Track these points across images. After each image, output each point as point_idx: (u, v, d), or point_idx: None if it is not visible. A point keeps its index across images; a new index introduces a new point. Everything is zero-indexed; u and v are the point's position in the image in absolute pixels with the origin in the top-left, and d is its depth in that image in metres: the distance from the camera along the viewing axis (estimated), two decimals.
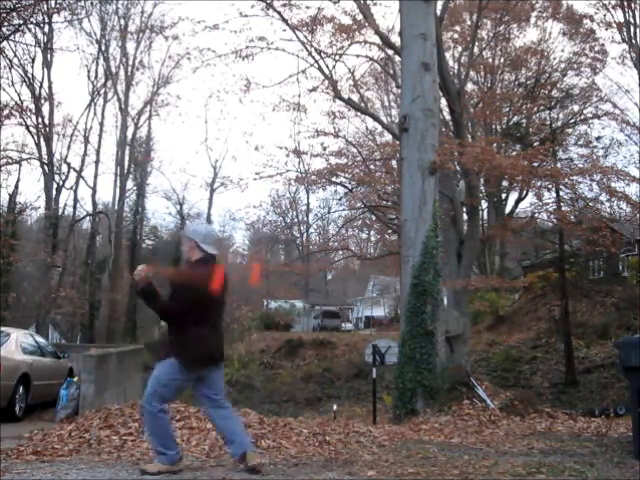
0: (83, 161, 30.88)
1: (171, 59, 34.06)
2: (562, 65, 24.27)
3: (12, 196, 24.48)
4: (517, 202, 27.55)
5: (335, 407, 15.28)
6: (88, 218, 33.12)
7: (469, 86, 21.76)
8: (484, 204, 25.68)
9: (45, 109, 26.33)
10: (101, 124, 33.67)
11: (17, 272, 26.65)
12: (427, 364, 9.55)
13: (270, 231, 43.12)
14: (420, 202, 10.22)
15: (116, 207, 35.90)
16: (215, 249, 4.74)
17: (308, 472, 4.73)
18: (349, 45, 16.93)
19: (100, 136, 33.70)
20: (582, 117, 25.58)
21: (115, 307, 34.98)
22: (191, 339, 4.49)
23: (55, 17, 19.36)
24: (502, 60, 23.63)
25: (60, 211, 29.00)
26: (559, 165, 18.61)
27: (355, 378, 24.18)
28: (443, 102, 15.47)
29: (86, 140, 30.87)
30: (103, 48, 32.22)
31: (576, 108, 25.47)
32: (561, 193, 16.95)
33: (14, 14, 15.01)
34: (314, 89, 17.61)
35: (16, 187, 24.89)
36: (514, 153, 20.81)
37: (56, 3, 17.62)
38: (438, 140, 11.06)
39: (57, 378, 11.48)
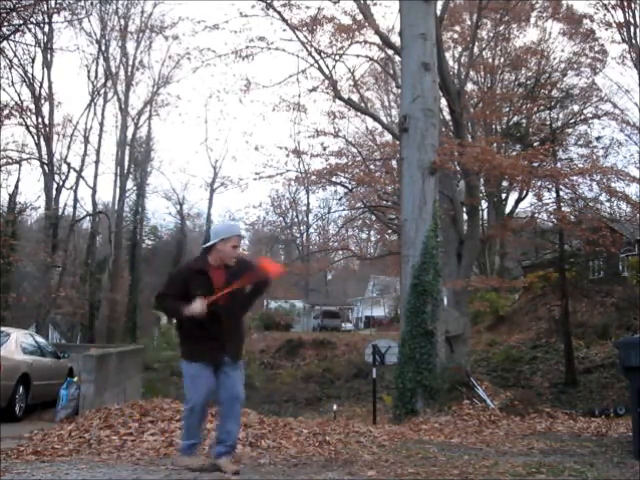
0: (83, 161, 30.91)
1: (171, 59, 34.17)
2: (562, 65, 24.27)
3: (12, 196, 24.45)
4: (517, 202, 27.57)
5: (335, 407, 15.28)
6: (88, 218, 33.12)
7: (469, 86, 21.76)
8: (484, 204, 25.68)
9: (45, 109, 26.34)
10: (101, 124, 33.69)
11: (17, 272, 26.61)
12: (427, 364, 9.55)
13: (270, 231, 43.10)
14: (420, 202, 10.23)
15: (116, 207, 35.88)
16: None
17: (308, 472, 4.73)
18: (349, 45, 16.94)
19: (100, 136, 33.72)
20: (582, 117, 25.56)
21: (115, 307, 34.96)
22: None
23: (55, 17, 19.33)
24: (502, 60, 23.62)
25: (60, 211, 28.98)
26: (559, 165, 18.59)
27: (355, 378, 24.17)
28: (443, 102, 15.47)
29: (86, 140, 30.89)
30: (103, 48, 32.21)
31: (576, 108, 25.47)
32: (561, 193, 16.95)
33: (14, 14, 15.00)
34: (314, 89, 17.62)
35: (16, 187, 24.87)
36: (514, 153, 20.80)
37: (56, 3, 17.60)
38: (438, 140, 11.07)
39: (57, 378, 11.48)
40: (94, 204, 33.34)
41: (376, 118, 20.02)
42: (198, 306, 4.39)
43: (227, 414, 4.65)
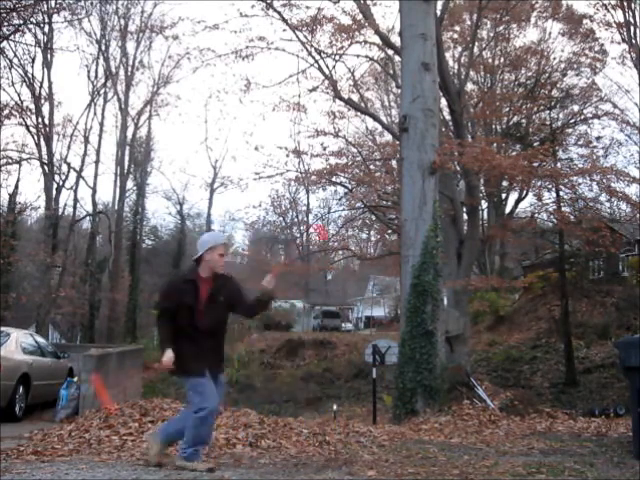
0: (83, 161, 30.85)
1: (171, 59, 34.21)
2: (562, 65, 24.23)
3: (12, 196, 24.40)
4: (517, 202, 27.57)
5: (335, 407, 15.23)
6: (88, 218, 33.09)
7: (469, 86, 21.75)
8: (484, 204, 25.67)
9: (45, 109, 26.30)
10: (101, 124, 33.66)
11: (17, 272, 26.60)
12: (427, 364, 9.55)
13: (270, 231, 43.11)
14: (420, 202, 10.23)
15: (116, 207, 35.88)
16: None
17: (308, 472, 4.73)
18: (349, 45, 16.93)
19: (100, 136, 33.68)
20: (582, 117, 25.52)
21: (115, 307, 34.94)
22: None
23: (55, 17, 19.38)
24: (502, 60, 23.60)
25: (60, 211, 28.95)
26: (559, 165, 18.58)
27: (355, 378, 24.14)
28: (443, 102, 15.47)
29: (86, 140, 30.84)
30: (103, 48, 32.17)
31: (576, 108, 25.43)
32: (561, 193, 16.92)
33: (14, 14, 15.01)
34: (314, 89, 17.62)
35: (16, 187, 24.81)
36: (514, 153, 20.79)
37: (56, 3, 17.64)
38: (438, 140, 11.07)
39: (57, 378, 11.49)
40: (94, 204, 33.34)
41: (376, 118, 20.02)
42: (167, 359, 4.51)
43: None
